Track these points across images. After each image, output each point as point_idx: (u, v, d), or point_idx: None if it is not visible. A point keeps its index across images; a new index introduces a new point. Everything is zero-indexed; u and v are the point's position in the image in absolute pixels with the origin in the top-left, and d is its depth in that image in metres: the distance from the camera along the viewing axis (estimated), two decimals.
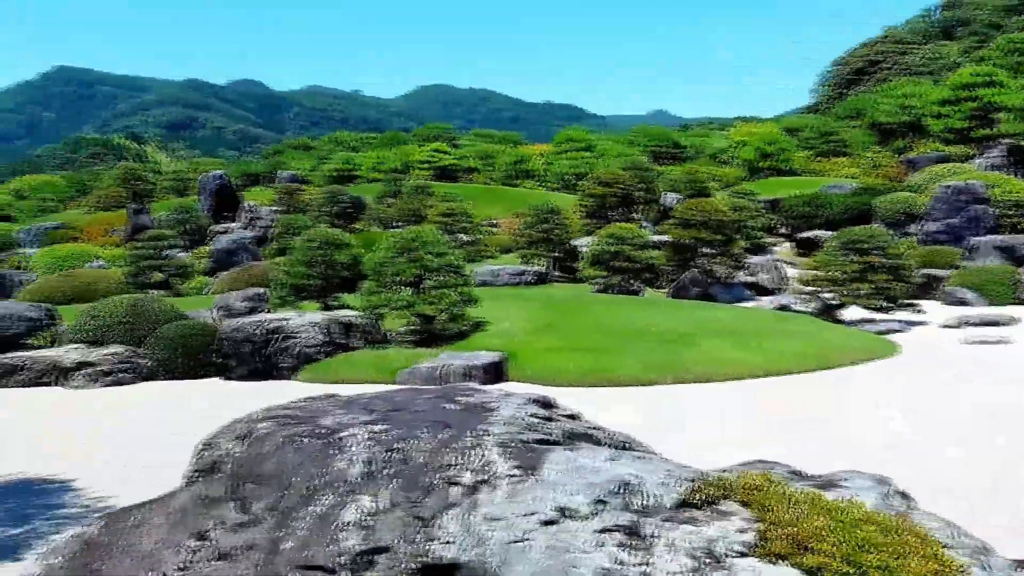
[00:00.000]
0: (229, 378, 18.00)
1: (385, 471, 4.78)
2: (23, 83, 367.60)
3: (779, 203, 40.33)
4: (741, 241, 30.85)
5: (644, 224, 37.39)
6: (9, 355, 18.83)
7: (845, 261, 23.42)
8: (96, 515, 8.73)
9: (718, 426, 12.46)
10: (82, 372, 17.89)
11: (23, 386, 18.11)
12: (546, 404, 5.69)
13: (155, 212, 45.59)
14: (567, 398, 6.97)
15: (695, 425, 12.53)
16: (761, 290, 29.46)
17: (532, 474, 4.57)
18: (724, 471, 5.02)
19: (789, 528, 3.89)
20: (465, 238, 35.62)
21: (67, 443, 12.81)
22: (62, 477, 10.92)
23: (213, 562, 5.06)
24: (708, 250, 29.55)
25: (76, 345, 19.18)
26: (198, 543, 5.12)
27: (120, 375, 17.94)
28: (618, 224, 30.53)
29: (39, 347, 20.22)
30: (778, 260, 33.52)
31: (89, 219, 51.47)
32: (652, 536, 3.95)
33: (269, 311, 21.85)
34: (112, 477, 10.77)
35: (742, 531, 3.89)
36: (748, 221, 34.35)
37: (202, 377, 18.25)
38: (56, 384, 18.10)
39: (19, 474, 11.17)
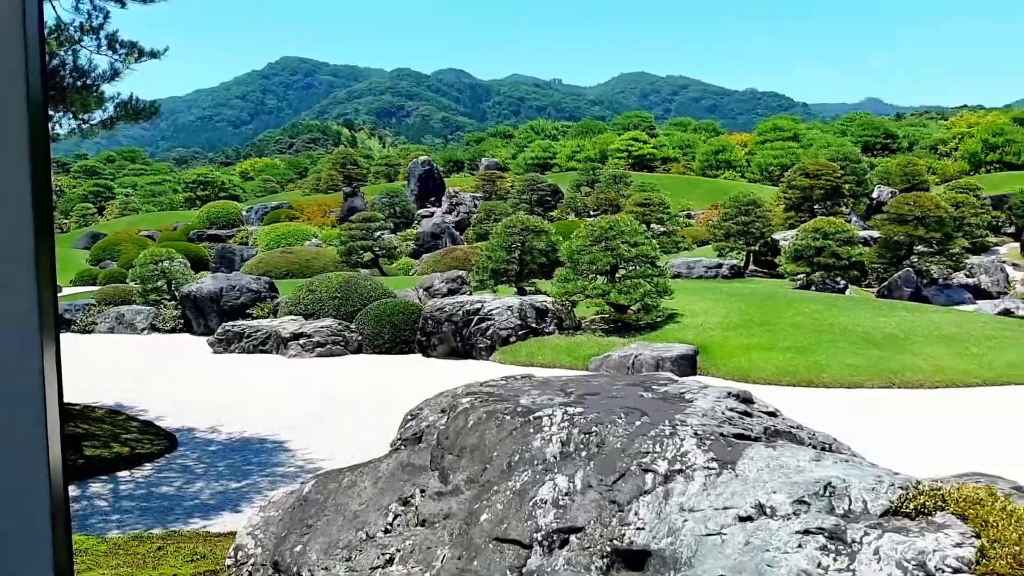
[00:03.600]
0: (429, 355, 18.79)
1: (581, 453, 4.85)
2: (252, 72, 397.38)
3: (1006, 200, 37.18)
4: (961, 240, 28.69)
5: (852, 219, 35.54)
6: (236, 323, 20.56)
7: None
8: (308, 475, 9.40)
9: (927, 434, 11.70)
10: (298, 342, 19.23)
11: (245, 352, 19.72)
12: (745, 399, 5.57)
13: (367, 196, 48.08)
14: (763, 397, 6.79)
15: (902, 432, 11.83)
16: (981, 293, 27.28)
17: (729, 468, 4.49)
18: (938, 481, 4.73)
19: (1013, 547, 3.61)
20: (660, 229, 35.24)
21: (282, 407, 13.84)
22: (278, 438, 11.82)
23: (414, 527, 5.33)
24: (923, 248, 27.70)
25: (293, 317, 20.65)
26: (402, 508, 5.41)
27: (331, 347, 19.14)
28: (823, 218, 29.19)
29: (259, 317, 21.93)
30: (1002, 261, 30.90)
31: (307, 200, 55.11)
32: (857, 542, 3.79)
33: (469, 293, 22.58)
34: (322, 440, 11.54)
35: (958, 545, 3.65)
36: (970, 218, 31.88)
37: (405, 353, 19.16)
38: (274, 352, 19.57)
39: (240, 433, 12.19)
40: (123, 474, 10.23)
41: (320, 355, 18.96)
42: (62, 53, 11.13)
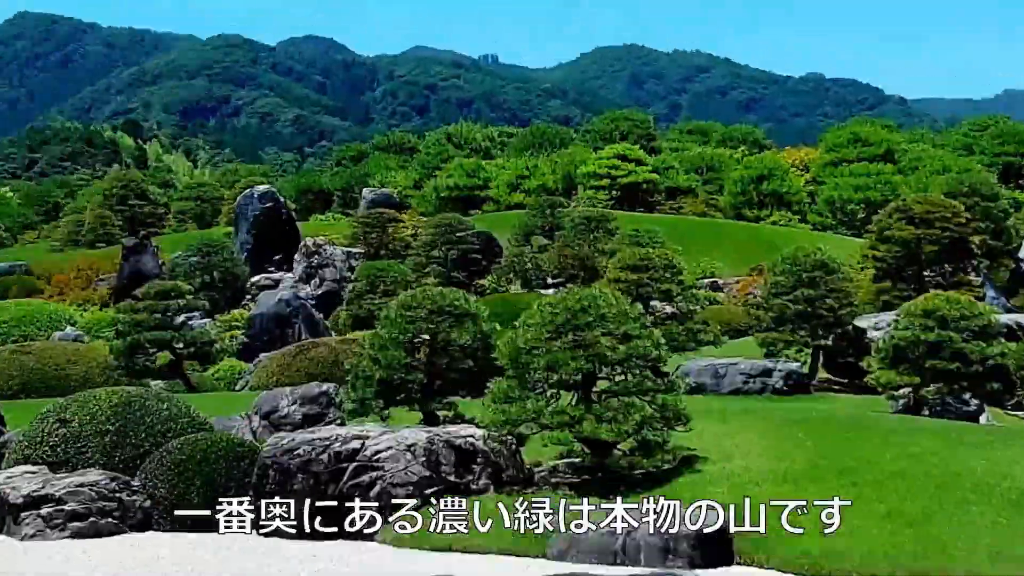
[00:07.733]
0: (269, 534, 18.41)
1: None
2: None
3: None
4: None
5: (987, 294, 36.36)
6: None
7: None
8: None
9: None
10: (39, 513, 18.73)
11: None
12: None
13: (164, 251, 47.66)
14: None
15: None
16: None
17: None
18: None
19: None
20: (668, 309, 35.59)
21: None
22: None
23: None
24: None
25: (31, 468, 20.15)
26: None
27: (97, 520, 18.72)
28: (940, 293, 29.79)
29: None
30: None
31: (58, 259, 54.40)
32: None
33: (340, 423, 22.36)
34: None
35: None
36: None
37: (228, 528, 18.71)
38: None
39: None
40: None
41: (76, 535, 18.54)
42: None
